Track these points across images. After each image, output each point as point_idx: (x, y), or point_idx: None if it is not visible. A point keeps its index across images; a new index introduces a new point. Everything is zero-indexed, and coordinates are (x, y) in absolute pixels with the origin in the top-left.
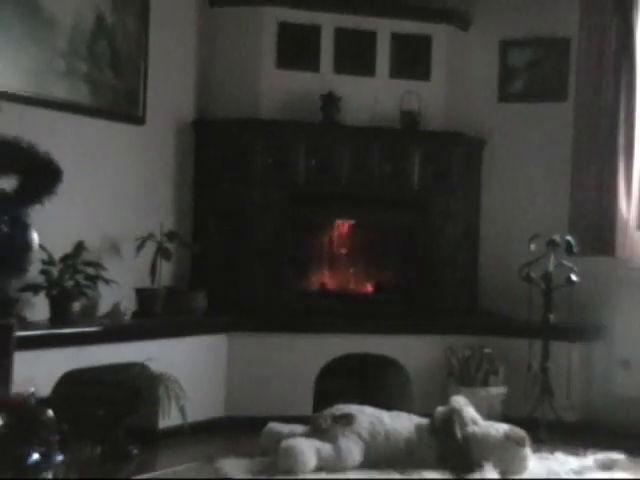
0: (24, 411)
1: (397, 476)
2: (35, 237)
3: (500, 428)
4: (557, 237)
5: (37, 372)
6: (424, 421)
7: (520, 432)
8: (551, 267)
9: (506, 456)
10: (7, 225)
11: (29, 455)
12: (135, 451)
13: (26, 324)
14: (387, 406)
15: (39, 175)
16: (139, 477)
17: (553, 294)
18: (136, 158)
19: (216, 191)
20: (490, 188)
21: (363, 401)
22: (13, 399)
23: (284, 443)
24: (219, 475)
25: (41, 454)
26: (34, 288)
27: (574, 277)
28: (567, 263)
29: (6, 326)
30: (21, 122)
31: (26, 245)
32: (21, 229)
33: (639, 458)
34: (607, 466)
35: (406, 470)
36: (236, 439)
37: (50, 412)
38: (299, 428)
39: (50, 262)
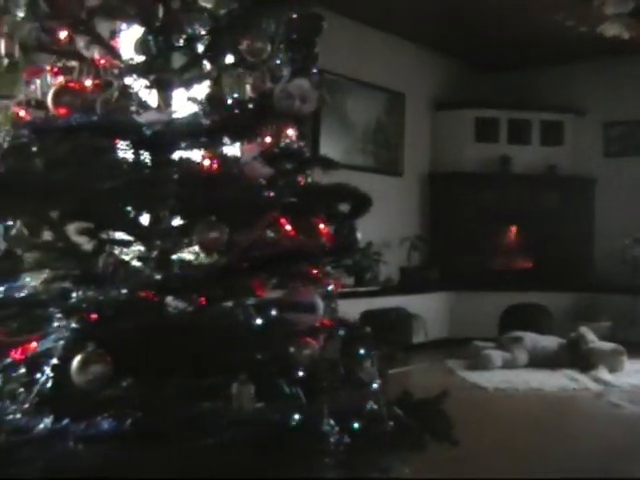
0: (353, 328)
1: (546, 371)
2: (359, 235)
3: (608, 345)
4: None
5: (349, 310)
6: (563, 341)
7: (620, 347)
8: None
9: (612, 361)
10: (347, 229)
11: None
12: (400, 354)
13: (342, 285)
14: (540, 332)
15: (360, 203)
16: (402, 369)
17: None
18: (399, 194)
19: (440, 211)
20: (600, 208)
21: (526, 329)
22: (350, 322)
23: (483, 352)
24: (444, 368)
25: (364, 349)
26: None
27: None
28: None
29: (337, 279)
30: (340, 177)
31: (356, 238)
32: (353, 231)
33: None
34: None
35: (553, 368)
36: (455, 350)
37: (368, 328)
38: (490, 344)
39: None
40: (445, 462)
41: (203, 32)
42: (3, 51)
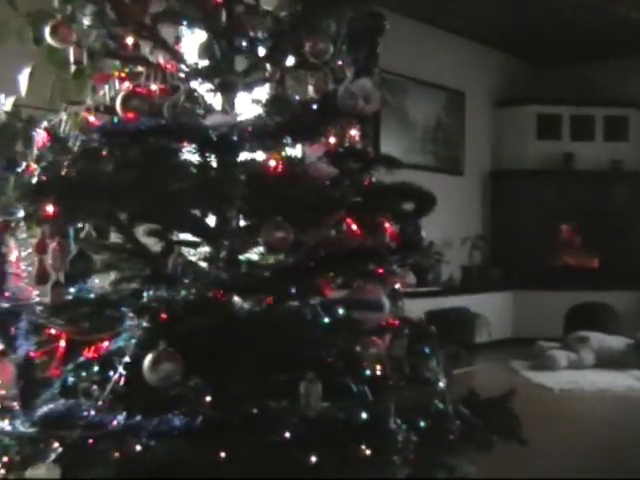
0: (419, 327)
1: (613, 372)
2: (424, 233)
3: None
4: None
5: (412, 310)
6: (630, 341)
7: None
8: None
9: None
10: (412, 228)
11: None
12: (464, 354)
13: (408, 284)
14: (606, 332)
15: (424, 201)
16: (466, 369)
17: None
18: (459, 193)
19: (502, 210)
20: None
21: (591, 329)
22: (415, 321)
23: (548, 352)
24: (507, 368)
25: (430, 348)
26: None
27: None
28: None
29: (404, 278)
30: (401, 176)
31: (421, 237)
32: (418, 230)
33: None
34: None
35: (620, 369)
36: (518, 350)
37: (432, 327)
38: (555, 344)
39: None
40: (513, 462)
41: (266, 34)
42: (72, 58)
